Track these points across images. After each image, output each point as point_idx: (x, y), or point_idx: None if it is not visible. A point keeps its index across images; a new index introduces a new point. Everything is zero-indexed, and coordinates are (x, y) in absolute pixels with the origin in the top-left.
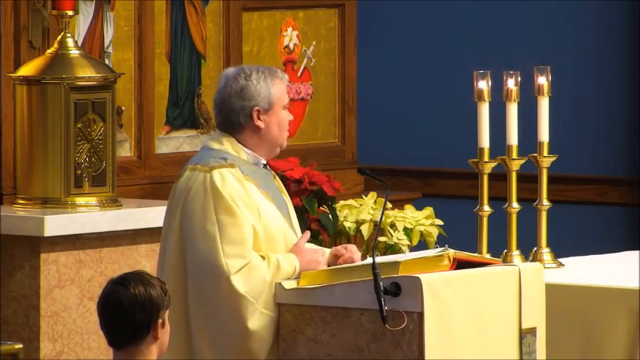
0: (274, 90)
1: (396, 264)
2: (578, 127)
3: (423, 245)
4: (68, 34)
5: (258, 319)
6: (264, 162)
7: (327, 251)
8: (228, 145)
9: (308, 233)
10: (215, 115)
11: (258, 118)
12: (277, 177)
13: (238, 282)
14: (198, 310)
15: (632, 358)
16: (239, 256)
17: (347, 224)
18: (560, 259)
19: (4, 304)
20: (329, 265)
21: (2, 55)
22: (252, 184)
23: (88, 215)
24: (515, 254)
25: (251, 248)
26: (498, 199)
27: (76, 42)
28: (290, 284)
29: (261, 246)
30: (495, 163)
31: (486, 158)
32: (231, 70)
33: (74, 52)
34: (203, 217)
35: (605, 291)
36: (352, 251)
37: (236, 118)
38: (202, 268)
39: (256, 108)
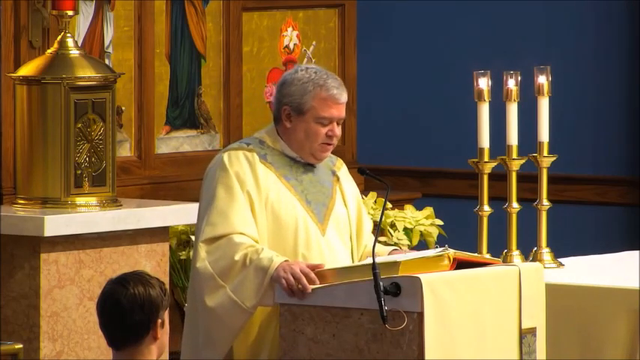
0: (309, 98)
1: (396, 264)
2: (578, 127)
3: (423, 245)
4: (68, 34)
5: (218, 296)
6: (299, 157)
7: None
8: (266, 135)
9: (322, 265)
10: None
11: (288, 119)
12: (342, 183)
13: (203, 249)
14: (190, 280)
15: (632, 358)
16: (218, 225)
17: None
18: (560, 259)
19: (4, 304)
20: None
21: (2, 55)
22: (270, 170)
23: (88, 215)
24: (515, 254)
25: (239, 223)
26: (498, 199)
27: (76, 42)
28: None
29: (259, 226)
30: (495, 163)
31: (486, 158)
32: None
33: (74, 52)
34: (208, 192)
35: (605, 291)
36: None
37: (274, 109)
38: (195, 237)
39: (285, 107)
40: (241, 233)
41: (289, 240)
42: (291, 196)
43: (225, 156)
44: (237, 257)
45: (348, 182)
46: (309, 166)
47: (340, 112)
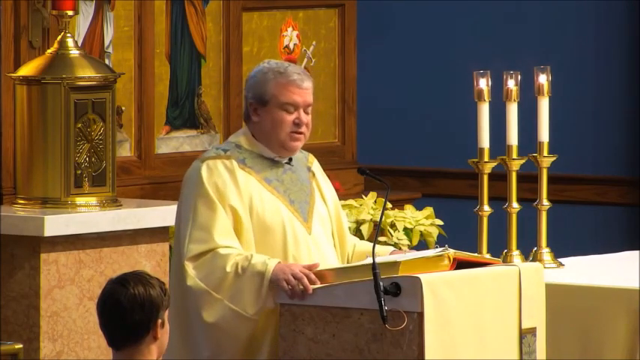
0: (270, 86)
1: (396, 264)
2: (578, 127)
3: (423, 245)
4: (68, 34)
5: (217, 310)
6: (277, 156)
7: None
8: (242, 137)
9: (317, 265)
10: None
11: (255, 112)
12: (318, 178)
13: (190, 267)
14: (173, 301)
15: (632, 358)
16: (202, 241)
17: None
18: (560, 259)
19: (4, 304)
20: None
21: (2, 55)
22: (251, 175)
23: (88, 215)
24: (515, 254)
25: (222, 237)
26: (498, 199)
27: (76, 42)
28: None
29: (247, 234)
30: (495, 163)
31: (486, 158)
32: None
33: (74, 52)
34: (186, 204)
35: (605, 291)
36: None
37: (243, 108)
38: (175, 254)
39: (250, 101)
40: (226, 247)
41: (278, 243)
42: (274, 199)
43: (204, 167)
44: (228, 268)
45: (322, 177)
46: (288, 165)
47: (304, 97)
